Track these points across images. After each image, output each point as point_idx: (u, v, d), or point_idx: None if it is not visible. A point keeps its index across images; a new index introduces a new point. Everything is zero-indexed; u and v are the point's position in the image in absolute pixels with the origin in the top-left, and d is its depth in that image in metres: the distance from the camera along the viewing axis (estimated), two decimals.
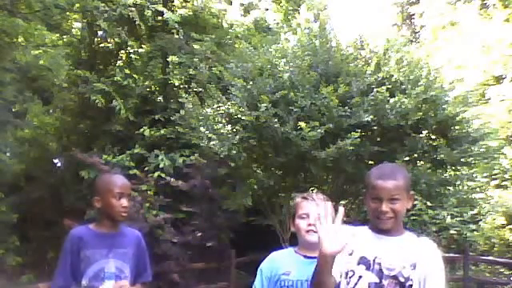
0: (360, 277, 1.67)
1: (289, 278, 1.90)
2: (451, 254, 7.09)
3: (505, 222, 8.85)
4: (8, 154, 8.71)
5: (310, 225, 1.91)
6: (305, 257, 1.93)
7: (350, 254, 1.70)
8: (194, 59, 8.37)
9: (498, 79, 11.26)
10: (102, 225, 2.15)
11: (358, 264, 1.69)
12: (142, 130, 8.20)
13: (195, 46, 8.50)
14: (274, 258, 2.05)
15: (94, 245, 2.08)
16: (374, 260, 1.67)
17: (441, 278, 1.68)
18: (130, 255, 2.16)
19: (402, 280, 1.64)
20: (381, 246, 1.69)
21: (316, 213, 1.90)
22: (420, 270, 1.65)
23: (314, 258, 1.85)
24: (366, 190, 1.75)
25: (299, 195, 2.05)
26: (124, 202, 2.12)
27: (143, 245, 2.26)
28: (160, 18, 8.71)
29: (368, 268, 1.67)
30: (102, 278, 2.05)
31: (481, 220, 8.45)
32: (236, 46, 8.17)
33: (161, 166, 7.61)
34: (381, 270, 1.65)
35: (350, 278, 1.68)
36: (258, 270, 2.03)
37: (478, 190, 7.66)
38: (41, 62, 8.21)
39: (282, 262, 1.97)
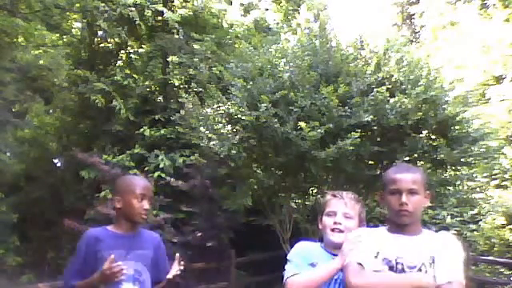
0: None
1: None
2: None
3: (505, 222, 8.82)
4: (8, 154, 8.72)
5: (335, 223, 1.90)
6: (332, 254, 1.90)
7: (376, 257, 1.72)
8: (194, 59, 8.37)
9: (498, 79, 11.25)
10: (120, 226, 2.09)
11: (382, 265, 1.71)
12: (142, 130, 8.20)
13: (195, 46, 8.50)
14: (304, 245, 2.00)
15: (112, 246, 2.01)
16: (395, 260, 1.70)
17: (453, 263, 1.68)
18: (149, 258, 2.11)
19: None
20: (400, 246, 1.72)
21: (343, 211, 1.92)
22: (436, 263, 1.68)
23: None
24: (384, 189, 1.78)
25: (329, 192, 2.04)
26: (145, 204, 2.06)
27: (163, 247, 2.22)
28: (160, 18, 8.71)
29: (391, 268, 1.70)
30: (120, 280, 1.97)
31: (481, 220, 8.44)
32: (236, 46, 8.19)
33: (161, 165, 7.62)
34: (403, 269, 1.68)
35: None
36: (291, 256, 1.95)
37: (478, 189, 7.67)
38: (41, 61, 8.22)
39: (311, 252, 1.93)
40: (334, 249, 1.89)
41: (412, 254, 1.70)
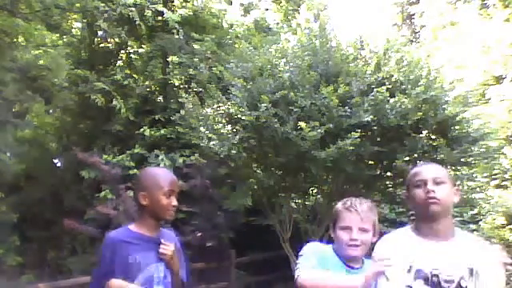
0: None
1: None
2: None
3: (505, 222, 8.81)
4: (8, 154, 8.71)
5: (352, 239, 1.85)
6: (346, 265, 1.87)
7: (409, 271, 1.58)
8: (194, 59, 8.37)
9: (498, 79, 11.24)
10: (145, 225, 1.96)
11: (415, 279, 1.57)
12: (142, 129, 8.20)
13: (195, 46, 8.50)
14: (318, 247, 1.95)
15: (144, 248, 1.91)
16: (431, 273, 1.56)
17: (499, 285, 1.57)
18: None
19: None
20: (436, 255, 1.58)
21: (359, 226, 1.86)
22: (476, 278, 1.55)
23: (355, 268, 1.85)
24: (408, 187, 1.68)
25: (342, 202, 1.97)
26: (174, 200, 1.95)
27: (179, 247, 2.13)
28: (160, 18, 8.70)
29: (426, 282, 1.56)
30: (152, 283, 1.91)
31: (481, 220, 8.43)
32: (236, 46, 8.17)
33: (161, 165, 7.61)
34: (439, 283, 1.55)
35: None
36: (304, 252, 1.91)
37: (477, 189, 7.64)
38: (41, 61, 8.22)
39: (324, 256, 1.88)
40: (348, 261, 1.87)
41: (448, 264, 1.55)
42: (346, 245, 1.86)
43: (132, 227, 1.97)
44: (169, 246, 1.96)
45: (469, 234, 1.71)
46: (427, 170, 1.65)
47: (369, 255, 1.89)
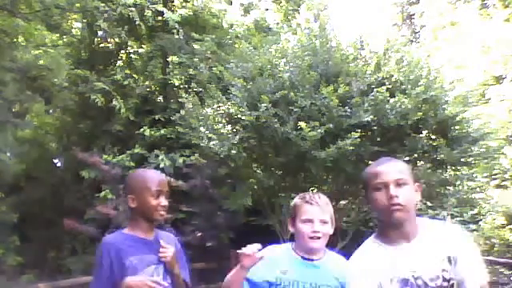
0: None
1: (286, 277, 1.85)
2: None
3: (505, 222, 8.82)
4: (8, 154, 8.71)
5: (314, 231, 1.86)
6: (303, 258, 1.90)
7: (391, 284, 1.49)
8: (194, 59, 8.38)
9: (498, 79, 11.26)
10: (138, 228, 1.93)
11: None
12: (142, 129, 8.21)
13: (195, 46, 8.51)
14: (273, 252, 1.95)
15: (140, 251, 1.88)
16: (413, 276, 1.47)
17: (478, 264, 1.51)
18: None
19: (446, 284, 1.47)
20: (410, 258, 1.49)
21: (320, 218, 1.88)
22: (455, 264, 1.48)
23: (312, 260, 1.87)
24: (366, 188, 1.57)
25: (300, 197, 1.97)
26: (163, 200, 1.91)
27: (179, 247, 2.09)
28: (160, 18, 8.71)
29: (412, 287, 1.46)
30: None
31: (481, 220, 8.44)
32: (236, 46, 8.18)
33: (161, 165, 7.62)
34: (425, 283, 1.46)
35: None
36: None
37: (478, 189, 7.65)
38: (41, 61, 8.21)
39: (278, 258, 1.91)
40: (310, 253, 1.89)
41: (426, 263, 1.47)
42: (308, 237, 1.87)
43: (125, 231, 1.96)
44: (168, 248, 1.95)
45: (434, 222, 1.62)
46: (388, 171, 1.51)
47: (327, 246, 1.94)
